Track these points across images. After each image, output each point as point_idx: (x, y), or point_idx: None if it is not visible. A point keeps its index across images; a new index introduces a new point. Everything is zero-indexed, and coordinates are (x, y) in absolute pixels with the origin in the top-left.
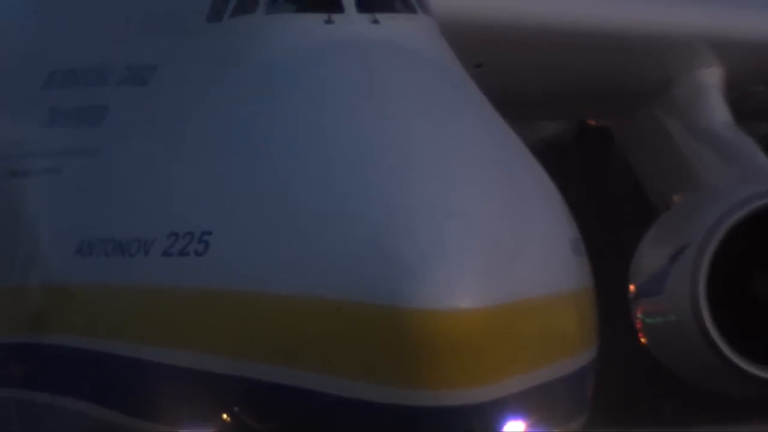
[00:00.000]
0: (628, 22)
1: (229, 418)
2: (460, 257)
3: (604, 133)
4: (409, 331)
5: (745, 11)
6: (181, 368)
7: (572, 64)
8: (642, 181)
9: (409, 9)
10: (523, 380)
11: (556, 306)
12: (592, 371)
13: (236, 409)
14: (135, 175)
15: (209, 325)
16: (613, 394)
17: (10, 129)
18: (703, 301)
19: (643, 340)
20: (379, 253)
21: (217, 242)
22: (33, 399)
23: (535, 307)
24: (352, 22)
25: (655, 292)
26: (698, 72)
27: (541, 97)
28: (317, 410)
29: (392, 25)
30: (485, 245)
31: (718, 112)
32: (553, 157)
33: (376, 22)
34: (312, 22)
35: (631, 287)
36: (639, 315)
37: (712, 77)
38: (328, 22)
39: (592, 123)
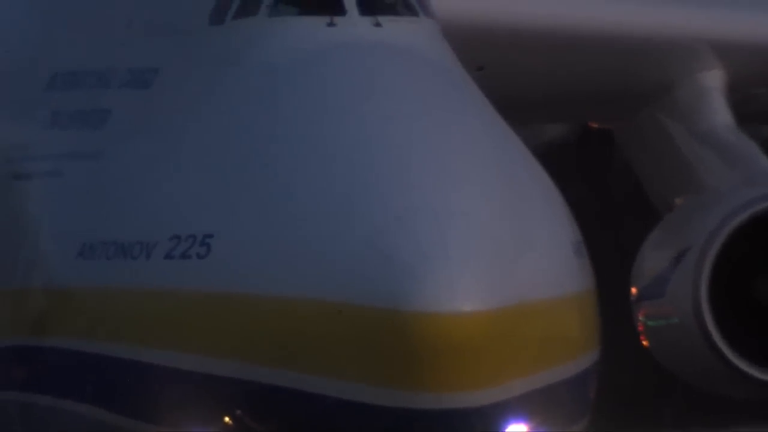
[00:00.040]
0: (630, 24)
1: (231, 421)
2: (461, 260)
3: (605, 136)
4: (411, 334)
5: (746, 14)
6: (183, 371)
7: (574, 66)
8: (643, 183)
9: (411, 12)
10: (525, 383)
11: (558, 308)
12: (594, 374)
13: (238, 412)
14: (137, 177)
15: (211, 328)
16: (615, 397)
17: (13, 131)
18: (705, 304)
19: (645, 342)
20: (381, 255)
21: (219, 245)
22: (35, 402)
23: (537, 309)
24: (354, 24)
25: (657, 294)
26: (700, 75)
27: (542, 99)
28: (319, 413)
29: (394, 28)
30: (487, 247)
31: (719, 114)
32: (555, 160)
33: (378, 25)
34: (314, 24)
35: (633, 290)
36: (641, 317)
37: (713, 80)
38: (331, 24)
39: (594, 125)
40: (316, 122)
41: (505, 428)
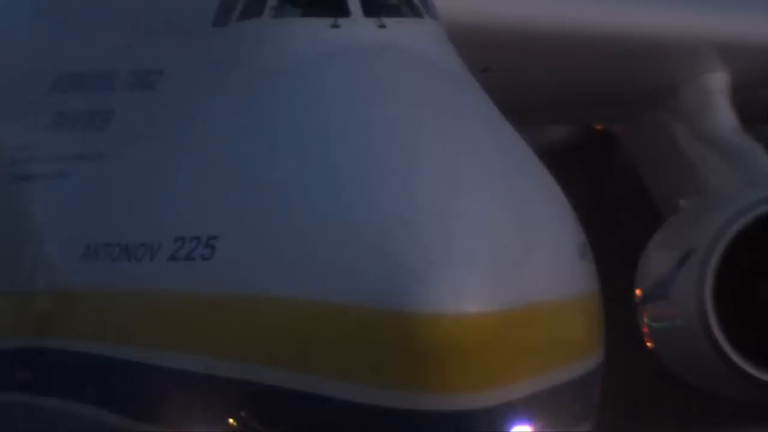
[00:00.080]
0: (634, 26)
1: (236, 423)
2: (467, 261)
3: (610, 138)
4: (417, 336)
5: (751, 16)
6: (188, 373)
7: (578, 68)
8: (648, 185)
9: (416, 13)
10: (530, 384)
11: (563, 310)
12: (598, 375)
13: (243, 413)
14: (141, 179)
15: (216, 329)
16: (620, 398)
17: (17, 133)
18: (709, 306)
19: (649, 344)
20: (386, 257)
21: (224, 247)
22: (40, 403)
23: (542, 311)
24: (358, 26)
25: (661, 296)
26: (704, 76)
27: (547, 101)
28: (324, 414)
29: (399, 30)
30: (492, 250)
31: (724, 116)
32: (560, 161)
33: (382, 26)
34: (318, 26)
35: (638, 291)
36: (645, 319)
37: (718, 82)
38: (335, 26)
39: (598, 127)
40: (321, 124)
41: (510, 430)
